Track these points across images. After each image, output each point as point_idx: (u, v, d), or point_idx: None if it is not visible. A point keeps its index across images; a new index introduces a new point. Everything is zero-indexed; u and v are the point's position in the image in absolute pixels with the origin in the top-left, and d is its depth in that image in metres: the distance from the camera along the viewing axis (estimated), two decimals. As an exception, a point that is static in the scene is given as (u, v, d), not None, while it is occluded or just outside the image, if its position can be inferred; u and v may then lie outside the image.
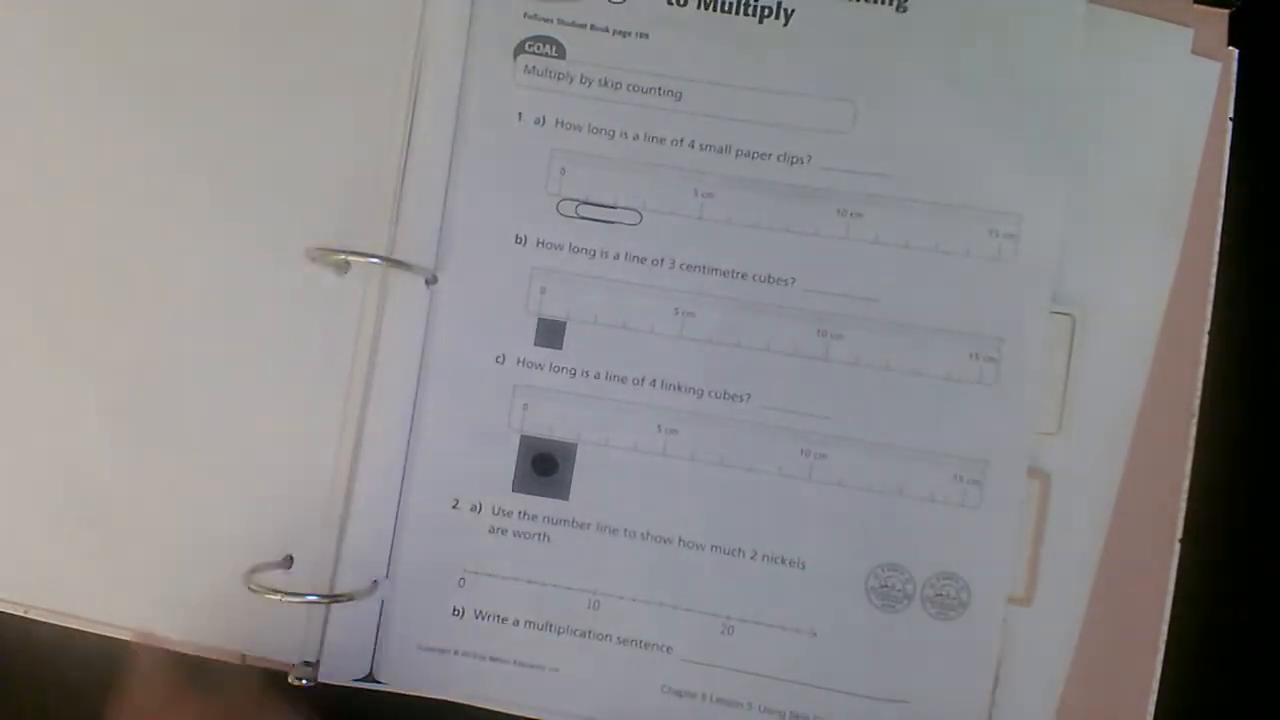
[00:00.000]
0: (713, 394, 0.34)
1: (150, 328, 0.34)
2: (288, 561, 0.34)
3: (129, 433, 0.34)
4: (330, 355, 0.34)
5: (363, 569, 0.34)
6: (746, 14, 0.34)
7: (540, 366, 0.34)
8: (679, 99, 0.34)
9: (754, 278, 0.34)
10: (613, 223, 0.34)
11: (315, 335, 0.34)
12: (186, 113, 0.34)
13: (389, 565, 0.34)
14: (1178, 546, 0.33)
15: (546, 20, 0.34)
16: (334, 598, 0.33)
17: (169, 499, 0.34)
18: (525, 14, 0.34)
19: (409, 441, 0.34)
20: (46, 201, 0.35)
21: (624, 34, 0.34)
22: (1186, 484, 0.33)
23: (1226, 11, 0.34)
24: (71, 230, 0.35)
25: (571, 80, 0.34)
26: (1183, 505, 0.33)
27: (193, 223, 0.34)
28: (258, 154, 0.34)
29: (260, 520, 0.34)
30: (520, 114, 0.34)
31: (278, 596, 0.32)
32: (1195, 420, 0.34)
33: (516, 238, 0.34)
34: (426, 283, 0.34)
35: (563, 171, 0.34)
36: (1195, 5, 0.34)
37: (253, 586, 0.33)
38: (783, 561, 0.33)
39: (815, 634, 0.33)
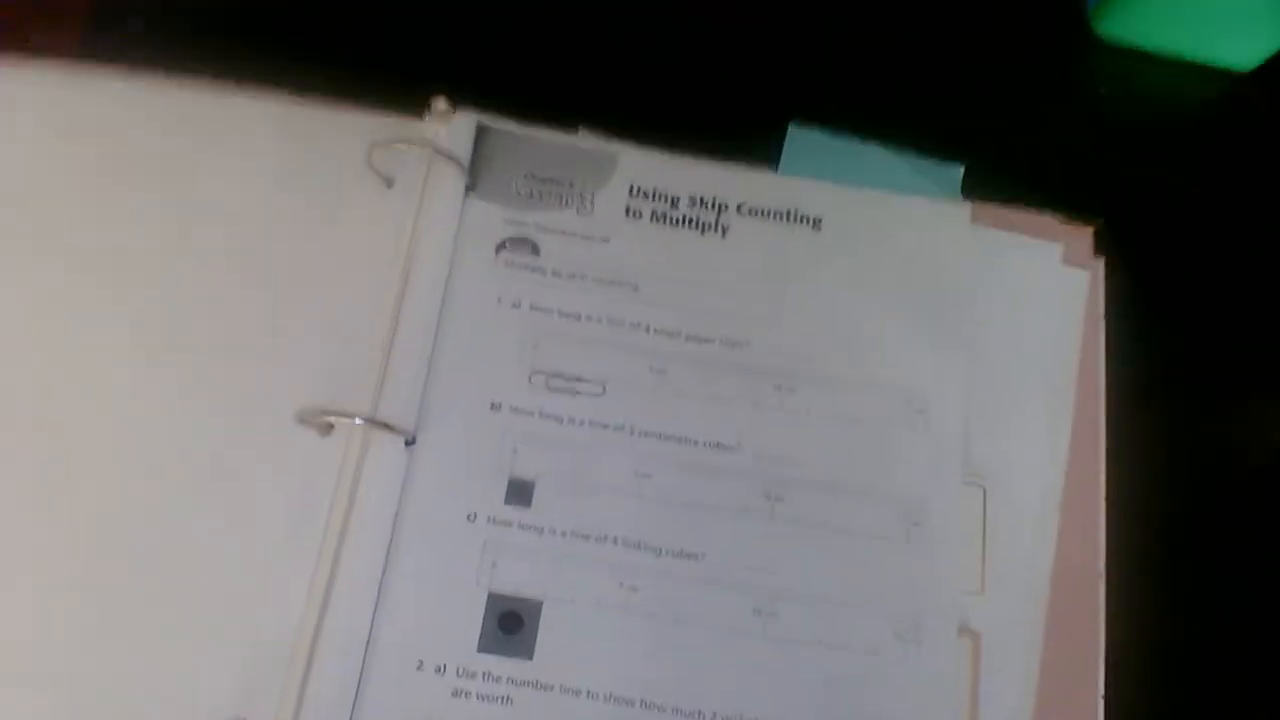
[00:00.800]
0: (670, 552, 0.36)
1: (114, 486, 0.35)
2: (244, 724, 0.33)
3: (84, 590, 0.34)
4: (305, 515, 0.35)
5: (322, 731, 0.33)
6: (691, 228, 0.40)
7: (509, 524, 0.36)
8: (636, 290, 0.39)
9: (704, 444, 0.37)
10: (579, 393, 0.37)
11: (293, 495, 0.35)
12: (182, 292, 0.37)
13: (349, 727, 0.34)
14: (1101, 704, 0.36)
15: (524, 225, 0.39)
16: (290, 761, 0.32)
17: (119, 659, 0.33)
18: (505, 220, 0.39)
19: (377, 601, 0.35)
20: (23, 357, 0.36)
21: (589, 238, 0.39)
22: (1102, 642, 0.36)
23: (1090, 229, 0.40)
24: (47, 385, 0.36)
25: (544, 273, 0.39)
26: (1101, 661, 0.36)
27: (174, 388, 0.36)
28: (251, 329, 0.37)
29: (216, 680, 0.33)
30: (499, 298, 0.38)
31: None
32: (1103, 580, 0.37)
33: (492, 404, 0.37)
34: (406, 444, 0.36)
35: (535, 347, 0.38)
36: (1063, 225, 0.40)
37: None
38: (740, 721, 0.34)
39: None
